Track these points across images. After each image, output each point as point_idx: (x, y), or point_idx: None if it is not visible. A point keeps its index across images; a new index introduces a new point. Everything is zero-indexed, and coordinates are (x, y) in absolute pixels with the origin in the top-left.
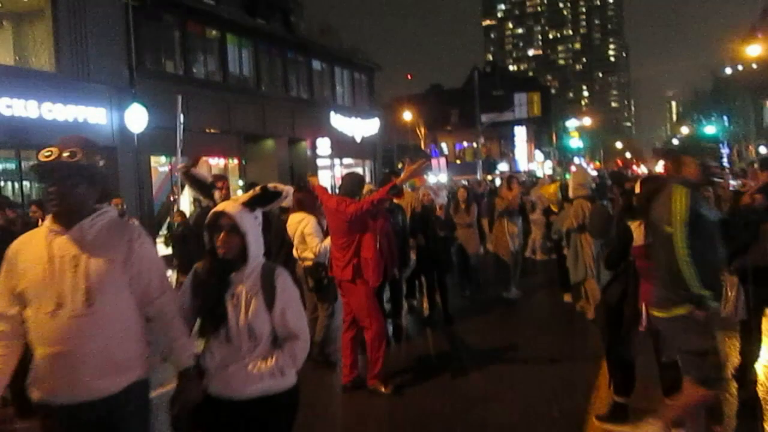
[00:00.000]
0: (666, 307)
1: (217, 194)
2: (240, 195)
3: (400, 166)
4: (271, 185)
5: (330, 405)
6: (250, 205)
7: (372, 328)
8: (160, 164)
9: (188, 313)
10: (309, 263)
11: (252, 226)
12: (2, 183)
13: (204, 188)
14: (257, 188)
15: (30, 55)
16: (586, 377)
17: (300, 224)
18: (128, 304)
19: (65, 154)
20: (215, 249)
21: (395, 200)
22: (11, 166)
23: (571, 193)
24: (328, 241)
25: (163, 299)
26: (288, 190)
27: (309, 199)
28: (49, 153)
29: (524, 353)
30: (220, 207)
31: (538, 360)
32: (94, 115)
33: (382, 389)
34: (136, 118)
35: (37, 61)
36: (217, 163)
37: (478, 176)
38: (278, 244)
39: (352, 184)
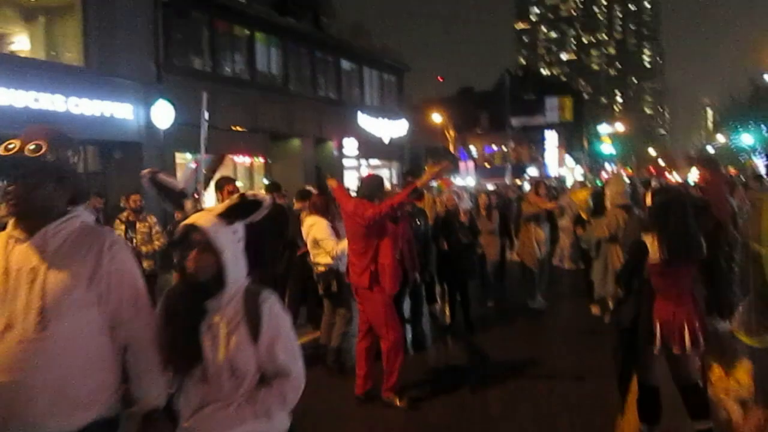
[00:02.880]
0: (758, 333)
1: (189, 205)
2: (216, 205)
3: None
4: (250, 193)
5: (341, 416)
6: (227, 217)
7: (389, 339)
8: (186, 161)
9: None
10: (322, 269)
11: (230, 242)
12: None
13: (172, 197)
14: (235, 197)
15: (60, 50)
16: (612, 397)
17: (311, 229)
18: (93, 326)
19: (29, 147)
20: (185, 270)
21: (418, 204)
22: None
23: (608, 202)
24: (344, 243)
25: (135, 323)
26: (268, 199)
27: (321, 203)
28: (12, 145)
29: (547, 368)
30: (190, 219)
31: (562, 376)
32: (120, 111)
33: (397, 402)
34: (163, 114)
35: (67, 55)
36: (242, 161)
37: (507, 181)
38: (285, 247)
39: (371, 186)
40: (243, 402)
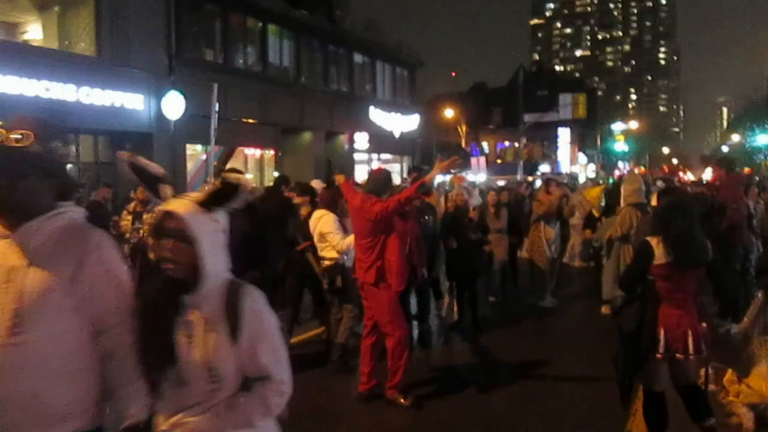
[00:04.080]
0: None
1: (168, 190)
2: (195, 192)
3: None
4: (233, 176)
5: (343, 414)
6: (207, 204)
7: (394, 336)
8: (196, 152)
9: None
10: (328, 263)
11: (208, 231)
12: None
13: (149, 182)
14: (216, 181)
15: (72, 40)
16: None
17: (318, 222)
18: (73, 333)
19: (13, 137)
20: (159, 261)
21: (426, 199)
22: None
23: (623, 200)
24: (351, 238)
25: (119, 330)
26: (249, 184)
27: (329, 196)
28: None
29: (555, 369)
30: (166, 206)
31: (569, 377)
32: (131, 101)
33: (401, 401)
34: (174, 105)
35: (79, 45)
36: (253, 154)
37: (518, 177)
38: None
39: (378, 181)
40: (222, 408)
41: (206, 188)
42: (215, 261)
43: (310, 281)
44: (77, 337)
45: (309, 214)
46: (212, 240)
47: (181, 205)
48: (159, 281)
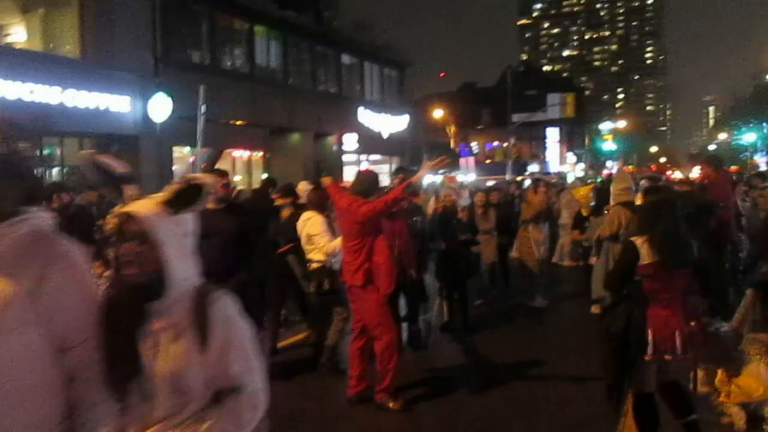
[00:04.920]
0: None
1: (131, 191)
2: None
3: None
4: (196, 175)
5: (331, 418)
6: (172, 205)
7: (383, 339)
8: (184, 155)
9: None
10: (315, 265)
11: (173, 234)
12: None
13: (110, 181)
14: (179, 180)
15: (57, 42)
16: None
17: (306, 224)
18: (32, 350)
19: None
20: (121, 267)
21: (414, 200)
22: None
23: (612, 199)
24: (338, 241)
25: (84, 348)
26: (213, 184)
27: (316, 198)
28: None
29: (546, 370)
30: (127, 207)
31: (562, 379)
32: (117, 103)
33: (391, 404)
34: (160, 107)
35: (64, 47)
36: (241, 155)
37: (507, 177)
38: (264, 246)
39: (365, 182)
40: (190, 424)
41: (171, 188)
42: (182, 266)
43: (292, 284)
44: (37, 355)
45: (291, 216)
46: (178, 243)
47: (143, 207)
48: (122, 287)
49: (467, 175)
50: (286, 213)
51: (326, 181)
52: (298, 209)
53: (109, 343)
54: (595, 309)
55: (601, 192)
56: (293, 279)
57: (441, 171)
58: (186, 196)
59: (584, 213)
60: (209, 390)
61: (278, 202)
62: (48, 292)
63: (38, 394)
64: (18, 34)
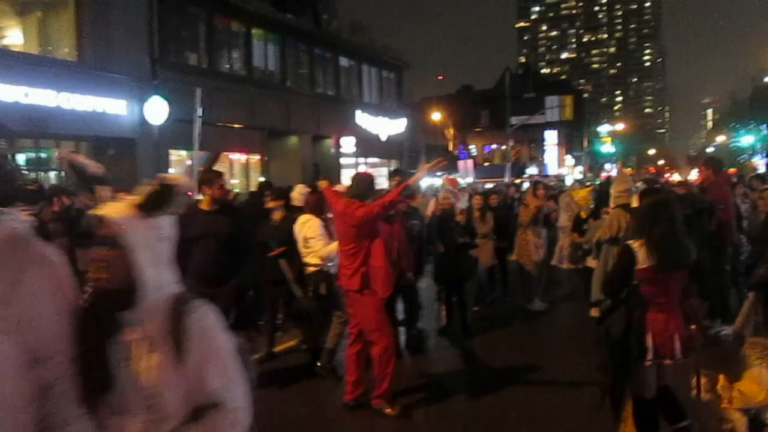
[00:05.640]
0: None
1: (104, 192)
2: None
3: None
4: (168, 176)
5: (328, 424)
6: (146, 208)
7: (380, 344)
8: (181, 158)
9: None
10: (312, 269)
11: (147, 239)
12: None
13: (84, 181)
14: (154, 182)
15: (54, 44)
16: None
17: (303, 227)
18: (5, 362)
19: None
20: (92, 274)
21: (411, 202)
22: (30, 155)
23: (612, 201)
24: (333, 246)
25: (60, 359)
26: (187, 184)
27: (314, 201)
28: None
29: (545, 374)
30: (99, 210)
31: (560, 382)
32: (113, 106)
33: (388, 410)
34: (157, 110)
35: (60, 50)
36: (239, 158)
37: (506, 179)
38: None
39: (362, 185)
40: None
41: (143, 190)
42: (156, 273)
43: (284, 288)
44: (9, 367)
45: (283, 219)
46: (152, 249)
47: (115, 210)
48: (93, 295)
49: (465, 177)
50: (277, 216)
51: (323, 184)
52: (290, 212)
53: (78, 354)
54: (593, 312)
55: (601, 194)
56: (285, 283)
57: (439, 173)
58: (158, 198)
59: (583, 215)
60: (186, 406)
61: (269, 204)
62: (22, 299)
63: (11, 408)
64: (14, 37)
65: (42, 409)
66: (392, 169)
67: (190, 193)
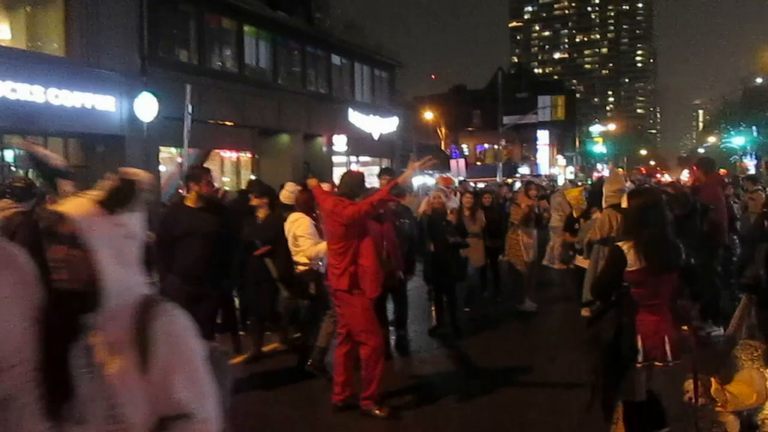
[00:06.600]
0: None
1: (67, 186)
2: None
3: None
4: (129, 170)
5: (315, 425)
6: (109, 204)
7: (369, 344)
8: (171, 155)
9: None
10: (302, 268)
11: (110, 238)
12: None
13: (45, 173)
14: (116, 177)
15: (42, 40)
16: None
17: (293, 225)
18: None
19: None
20: (52, 274)
21: (402, 201)
22: (18, 152)
23: (604, 201)
24: (323, 245)
25: (22, 369)
26: (148, 179)
27: (305, 200)
28: None
29: (536, 375)
30: (60, 206)
31: (551, 383)
32: (102, 103)
33: (376, 412)
34: (146, 107)
35: (48, 45)
36: (229, 156)
37: (498, 179)
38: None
39: (351, 183)
40: None
41: (104, 184)
42: (121, 273)
43: (268, 288)
44: None
45: (267, 217)
46: (117, 248)
47: (76, 206)
48: (52, 297)
49: (457, 177)
50: (262, 213)
51: (312, 182)
52: (275, 210)
53: (42, 361)
54: (584, 312)
55: (593, 194)
56: (271, 282)
57: (431, 172)
58: (120, 194)
59: (575, 215)
60: (151, 417)
61: (254, 202)
62: None
63: None
64: (2, 32)
65: (4, 423)
66: (382, 167)
67: (180, 190)
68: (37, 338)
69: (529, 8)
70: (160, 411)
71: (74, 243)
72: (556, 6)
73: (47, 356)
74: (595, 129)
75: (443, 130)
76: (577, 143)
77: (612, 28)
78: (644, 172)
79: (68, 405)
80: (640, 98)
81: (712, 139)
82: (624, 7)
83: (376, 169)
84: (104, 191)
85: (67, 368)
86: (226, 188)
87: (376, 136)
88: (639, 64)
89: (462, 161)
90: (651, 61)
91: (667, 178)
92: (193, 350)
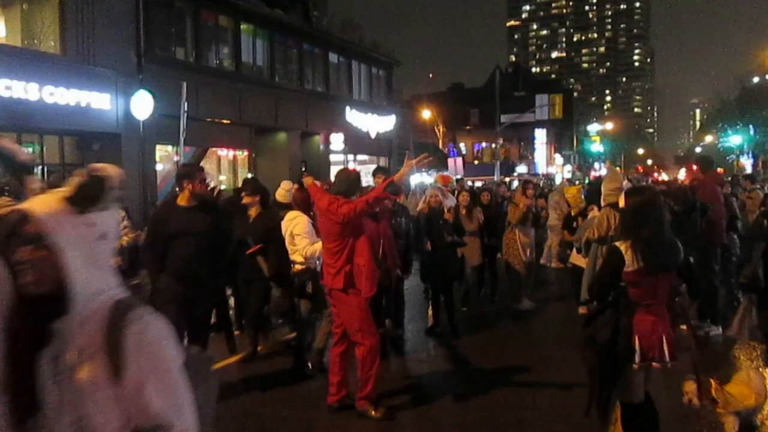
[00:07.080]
0: None
1: (34, 183)
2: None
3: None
4: (98, 166)
5: (310, 426)
6: (78, 202)
7: (364, 344)
8: (167, 153)
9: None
10: (298, 267)
11: (79, 238)
12: None
13: (11, 168)
14: (84, 173)
15: (37, 37)
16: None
17: (291, 223)
18: None
19: None
20: (17, 277)
21: (398, 200)
22: None
23: (603, 199)
24: (318, 245)
25: None
26: (115, 175)
27: (302, 198)
28: None
29: (533, 375)
30: (24, 205)
31: (548, 383)
32: (98, 101)
33: (372, 412)
34: (142, 105)
35: (44, 43)
36: (226, 154)
37: (496, 178)
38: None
39: (346, 181)
40: None
41: (73, 182)
42: (92, 276)
43: (260, 286)
44: None
45: (259, 215)
46: (87, 249)
47: (42, 204)
48: (18, 302)
49: (455, 175)
50: (253, 212)
51: (307, 180)
52: (267, 208)
53: (7, 371)
54: (582, 310)
55: (591, 193)
56: (263, 281)
57: (428, 170)
58: (89, 192)
59: (573, 213)
60: (125, 429)
61: (246, 200)
62: None
63: None
64: None
65: None
66: (377, 166)
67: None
68: (2, 346)
69: (527, 7)
70: (135, 422)
71: (40, 243)
72: (553, 5)
73: (13, 365)
74: (593, 128)
75: (441, 128)
76: (575, 142)
77: (609, 27)
78: (641, 170)
79: (35, 416)
80: (638, 97)
81: (709, 138)
82: (621, 6)
83: (373, 168)
84: (71, 189)
85: (34, 378)
86: (222, 187)
87: (373, 135)
88: (636, 63)
89: (459, 160)
90: (648, 60)
91: (664, 176)
92: (168, 357)
